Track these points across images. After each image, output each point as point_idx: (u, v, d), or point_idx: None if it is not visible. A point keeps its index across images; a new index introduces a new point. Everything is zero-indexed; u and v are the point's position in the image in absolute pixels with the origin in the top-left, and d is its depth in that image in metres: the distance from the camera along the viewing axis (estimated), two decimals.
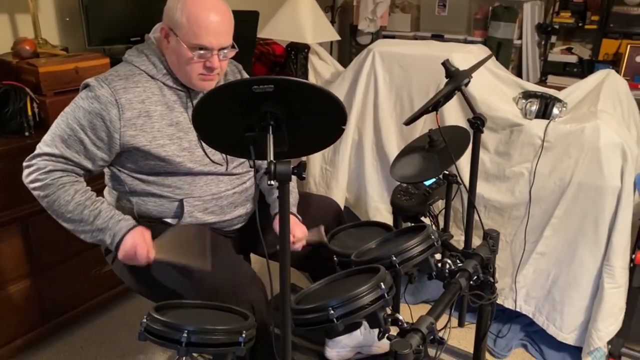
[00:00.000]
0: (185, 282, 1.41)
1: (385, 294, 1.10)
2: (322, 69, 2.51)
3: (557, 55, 3.88)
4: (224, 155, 1.56)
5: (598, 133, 1.79)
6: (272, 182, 0.86)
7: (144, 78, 1.46)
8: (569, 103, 1.99)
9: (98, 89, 1.40)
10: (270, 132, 0.87)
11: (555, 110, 1.90)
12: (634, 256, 1.82)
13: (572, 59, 3.79)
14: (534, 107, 1.92)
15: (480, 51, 2.13)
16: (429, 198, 1.74)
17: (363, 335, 1.97)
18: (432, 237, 1.32)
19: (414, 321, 1.12)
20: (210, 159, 1.53)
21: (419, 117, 1.40)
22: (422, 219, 1.79)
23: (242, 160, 1.64)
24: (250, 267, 1.50)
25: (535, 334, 2.09)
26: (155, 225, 1.51)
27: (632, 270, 1.84)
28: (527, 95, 2.00)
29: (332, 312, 1.07)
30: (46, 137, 1.43)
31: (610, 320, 1.84)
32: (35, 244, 1.92)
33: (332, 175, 2.32)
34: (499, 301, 2.07)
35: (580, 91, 2.06)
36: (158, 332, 1.10)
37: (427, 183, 1.78)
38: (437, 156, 1.54)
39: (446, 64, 1.32)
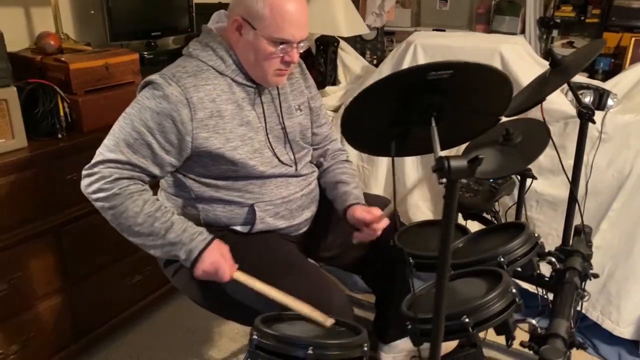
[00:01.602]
0: (265, 298, 1.30)
1: (517, 299, 1.03)
2: (351, 64, 2.42)
3: (558, 49, 3.90)
4: (291, 155, 1.46)
5: None
6: (443, 181, 0.77)
7: (212, 74, 1.34)
8: (617, 94, 1.97)
9: (166, 87, 1.27)
10: (434, 125, 0.78)
11: (610, 102, 1.88)
12: None
13: None
14: (588, 99, 1.89)
15: (524, 42, 2.09)
16: (496, 194, 1.68)
17: None
18: (535, 235, 1.25)
19: None
20: (280, 160, 1.42)
21: (525, 111, 1.33)
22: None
23: (308, 159, 1.54)
24: (331, 277, 1.41)
25: (586, 330, 2.06)
26: (224, 233, 1.39)
27: None
28: (577, 87, 1.96)
29: (467, 320, 0.99)
30: (108, 142, 1.29)
31: None
32: (68, 256, 1.77)
33: (371, 174, 2.24)
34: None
35: (626, 82, 2.04)
36: (273, 349, 0.99)
37: (491, 179, 1.72)
38: (516, 150, 1.48)
39: (553, 54, 1.25)
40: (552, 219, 1.98)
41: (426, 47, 2.08)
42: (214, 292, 1.36)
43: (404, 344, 1.87)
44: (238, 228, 1.42)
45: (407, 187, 2.19)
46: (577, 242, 1.34)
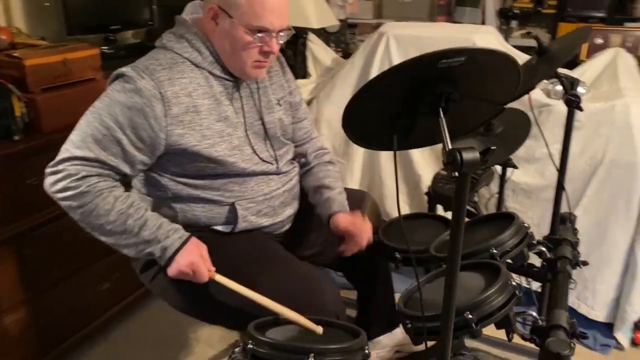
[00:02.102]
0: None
1: (517, 292, 1.01)
2: (321, 56, 2.37)
3: (517, 39, 3.97)
4: (272, 152, 1.40)
5: (628, 110, 1.81)
6: (455, 174, 0.73)
7: (188, 67, 1.26)
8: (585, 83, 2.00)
9: (138, 80, 1.19)
10: (442, 116, 0.74)
11: (581, 90, 1.89)
12: None
13: (533, 43, 3.89)
14: (560, 87, 1.90)
15: (494, 31, 2.10)
16: (476, 185, 1.67)
17: (403, 334, 1.87)
18: (525, 225, 1.24)
19: None
20: (260, 157, 1.36)
21: (514, 100, 1.31)
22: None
23: (290, 156, 1.48)
24: (322, 273, 1.36)
25: None
26: (203, 234, 1.32)
27: None
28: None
29: (470, 316, 0.96)
30: (74, 138, 1.20)
31: None
32: (31, 266, 1.65)
33: (347, 168, 2.20)
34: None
35: (592, 71, 2.08)
36: (271, 358, 0.94)
37: None
38: (498, 140, 1.47)
39: (540, 42, 1.24)
40: (528, 207, 1.99)
41: (399, 38, 2.06)
42: (196, 296, 1.29)
43: (387, 340, 1.85)
44: (219, 228, 1.35)
45: (383, 180, 2.17)
46: (564, 230, 1.34)
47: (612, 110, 1.82)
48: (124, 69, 1.22)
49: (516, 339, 1.06)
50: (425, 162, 2.11)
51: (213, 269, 1.21)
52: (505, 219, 1.37)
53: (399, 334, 1.86)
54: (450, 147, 0.74)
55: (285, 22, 1.26)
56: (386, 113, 0.79)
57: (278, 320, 1.08)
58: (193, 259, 1.19)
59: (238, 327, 1.34)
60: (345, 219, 1.40)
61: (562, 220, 1.38)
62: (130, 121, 1.19)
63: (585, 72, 2.08)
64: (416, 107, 0.76)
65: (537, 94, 1.93)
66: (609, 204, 1.88)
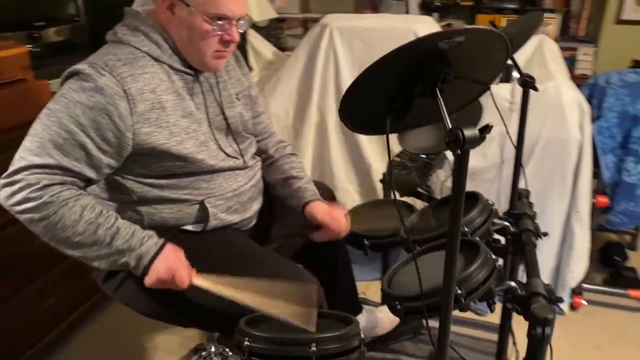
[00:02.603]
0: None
1: (496, 265, 1.06)
2: (262, 50, 2.34)
3: None
4: (236, 147, 1.36)
5: (559, 91, 1.94)
6: (458, 152, 0.75)
7: (149, 62, 1.20)
8: None
9: (98, 77, 1.11)
10: (440, 96, 0.76)
11: (515, 74, 2.01)
12: (594, 200, 2.02)
13: None
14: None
15: (432, 21, 2.17)
16: (430, 169, 1.73)
17: (366, 319, 1.90)
18: (490, 202, 1.31)
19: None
20: (226, 153, 1.32)
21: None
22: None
23: (253, 150, 1.46)
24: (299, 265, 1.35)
25: None
26: (174, 234, 1.27)
27: (592, 212, 2.04)
28: None
29: (459, 291, 0.99)
30: (30, 144, 1.10)
31: (582, 261, 2.03)
32: None
33: None
34: None
35: (522, 56, 2.21)
36: (271, 352, 0.92)
37: (424, 154, 1.77)
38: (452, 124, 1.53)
39: (495, 27, 1.30)
40: (472, 188, 2.06)
41: (342, 30, 2.07)
42: (171, 300, 1.23)
43: None
44: (189, 227, 1.30)
45: (334, 173, 2.18)
46: (521, 205, 1.42)
47: (545, 92, 1.95)
48: (79, 66, 1.14)
49: (469, 315, 1.11)
50: (375, 151, 2.15)
51: (193, 270, 1.16)
52: (467, 198, 1.43)
53: (362, 319, 1.90)
54: (450, 126, 0.75)
55: (245, 9, 1.23)
56: (382, 97, 0.79)
57: (267, 315, 1.06)
58: (171, 264, 1.14)
59: (218, 327, 1.30)
60: (322, 209, 1.40)
61: (519, 196, 1.46)
62: (93, 122, 1.11)
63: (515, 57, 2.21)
64: (412, 89, 0.77)
65: None
66: (547, 179, 2.01)
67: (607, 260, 2.40)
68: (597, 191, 2.05)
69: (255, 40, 2.35)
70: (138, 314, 1.33)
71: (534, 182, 2.02)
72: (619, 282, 2.26)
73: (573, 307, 2.11)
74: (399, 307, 1.04)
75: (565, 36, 3.59)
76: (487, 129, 0.74)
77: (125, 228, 1.15)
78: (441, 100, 0.76)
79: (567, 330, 1.95)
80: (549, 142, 1.97)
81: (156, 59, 1.21)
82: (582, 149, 1.96)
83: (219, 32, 1.20)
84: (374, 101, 0.82)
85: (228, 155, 1.32)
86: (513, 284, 1.08)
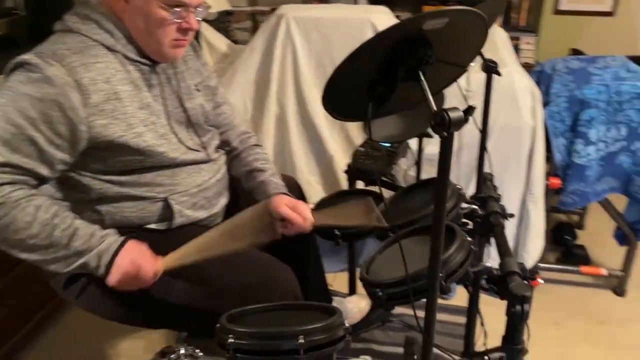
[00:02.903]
0: (202, 290, 1.18)
1: (472, 247, 1.08)
2: (216, 42, 2.29)
3: None
4: (197, 140, 1.32)
5: (512, 78, 2.00)
6: (444, 134, 0.75)
7: (102, 51, 1.14)
8: None
9: (46, 67, 1.04)
10: (423, 79, 0.76)
11: (471, 62, 2.06)
12: (547, 183, 2.10)
13: None
14: None
15: (387, 11, 2.19)
16: (394, 158, 1.74)
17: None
18: (458, 186, 1.33)
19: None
20: (187, 146, 1.27)
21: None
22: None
23: (216, 142, 1.42)
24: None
25: None
26: (137, 235, 1.21)
27: (546, 194, 2.13)
28: None
29: (440, 274, 1.00)
30: None
31: (538, 241, 2.11)
32: None
33: None
34: None
35: None
36: (258, 347, 0.89)
37: (387, 144, 1.78)
38: (416, 111, 1.54)
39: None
40: (431, 174, 2.12)
41: (298, 20, 2.05)
42: (138, 300, 1.18)
43: None
44: (153, 226, 1.25)
45: (296, 165, 2.16)
46: (486, 188, 1.45)
47: (498, 79, 1.99)
48: (25, 57, 1.06)
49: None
50: (336, 142, 2.15)
51: (158, 259, 1.12)
52: (430, 184, 1.45)
53: None
54: (435, 108, 0.75)
55: None
56: (364, 84, 0.78)
57: (247, 310, 1.03)
58: (134, 257, 1.10)
59: (192, 326, 1.25)
60: (285, 203, 1.37)
61: (484, 181, 1.50)
62: (43, 115, 1.05)
63: None
64: (395, 73, 0.77)
65: None
66: (502, 164, 2.07)
67: (558, 240, 2.51)
68: (549, 173, 2.13)
69: (209, 33, 2.29)
70: (99, 319, 1.27)
71: (491, 168, 2.09)
72: (570, 259, 2.37)
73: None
74: (380, 294, 1.04)
75: (507, 26, 3.70)
76: (470, 110, 0.74)
77: (84, 228, 1.09)
78: (425, 83, 0.76)
79: None
80: (504, 128, 2.03)
81: (109, 48, 1.15)
82: (535, 133, 2.03)
83: (177, 20, 1.15)
84: (355, 88, 0.80)
85: (190, 149, 1.28)
86: (488, 264, 1.11)
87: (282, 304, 1.05)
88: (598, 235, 2.56)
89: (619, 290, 2.20)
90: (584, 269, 2.24)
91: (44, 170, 1.08)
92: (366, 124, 1.63)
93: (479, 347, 1.65)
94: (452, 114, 0.74)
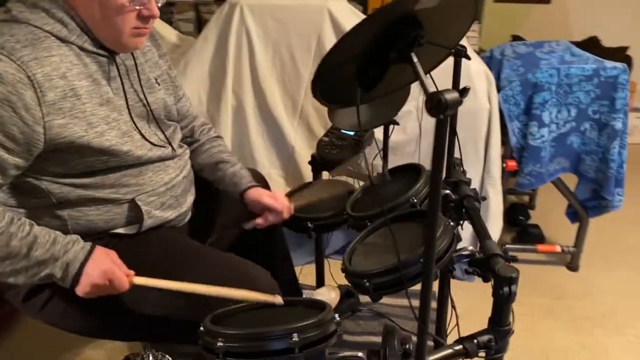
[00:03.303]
0: (179, 298, 1.11)
1: (455, 232, 1.08)
2: (165, 33, 2.19)
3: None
4: (161, 135, 1.25)
5: (467, 63, 2.02)
6: (440, 117, 0.73)
7: (55, 43, 1.04)
8: None
9: None
10: (416, 60, 0.74)
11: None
12: (504, 165, 2.16)
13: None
14: None
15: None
16: (361, 146, 1.73)
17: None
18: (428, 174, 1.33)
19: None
20: (151, 142, 1.20)
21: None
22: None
23: (180, 136, 1.35)
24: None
25: None
26: (104, 241, 1.13)
27: (503, 176, 2.18)
28: None
29: None
30: None
31: (497, 222, 2.17)
32: None
33: None
34: None
35: None
36: (250, 350, 0.85)
37: (352, 132, 1.76)
38: (384, 99, 1.53)
39: None
40: (393, 162, 2.11)
41: (253, 8, 1.99)
42: (109, 312, 1.11)
43: None
44: (121, 230, 1.17)
45: (254, 157, 2.10)
46: (456, 173, 1.46)
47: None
48: None
49: None
50: (297, 133, 2.11)
51: (131, 272, 1.05)
52: (409, 170, 1.45)
53: None
54: (430, 90, 0.73)
55: None
56: (353, 68, 0.75)
57: (231, 311, 0.98)
58: (105, 266, 1.02)
59: (169, 335, 1.19)
60: (264, 192, 1.35)
61: (454, 165, 1.51)
62: None
63: None
64: (387, 55, 0.74)
65: None
66: (462, 147, 2.09)
67: (512, 220, 2.59)
68: (505, 156, 2.19)
69: (157, 24, 2.17)
70: (57, 330, 1.18)
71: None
72: (526, 239, 2.45)
73: None
74: (367, 284, 1.02)
75: None
76: (465, 91, 0.73)
77: (44, 235, 1.01)
78: (418, 64, 0.74)
79: (486, 289, 2.08)
80: (462, 113, 2.03)
81: (63, 40, 1.05)
82: (491, 117, 2.07)
83: (137, 7, 1.07)
84: (345, 73, 0.77)
85: (154, 145, 1.20)
86: (471, 247, 1.11)
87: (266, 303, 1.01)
88: (548, 214, 2.67)
89: (573, 265, 2.30)
90: (539, 247, 2.33)
91: None
92: (331, 112, 1.61)
93: (449, 330, 1.67)
94: (448, 96, 0.72)
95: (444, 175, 1.51)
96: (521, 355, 1.82)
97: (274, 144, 2.12)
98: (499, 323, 1.03)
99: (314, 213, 1.47)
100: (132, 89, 1.18)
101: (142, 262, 1.10)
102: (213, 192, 1.43)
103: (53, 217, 1.10)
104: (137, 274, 1.07)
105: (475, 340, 1.02)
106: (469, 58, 1.33)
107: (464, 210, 1.31)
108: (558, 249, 2.30)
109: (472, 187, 2.08)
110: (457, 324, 1.42)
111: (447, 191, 1.36)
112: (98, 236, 1.14)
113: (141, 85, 1.20)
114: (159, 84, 1.27)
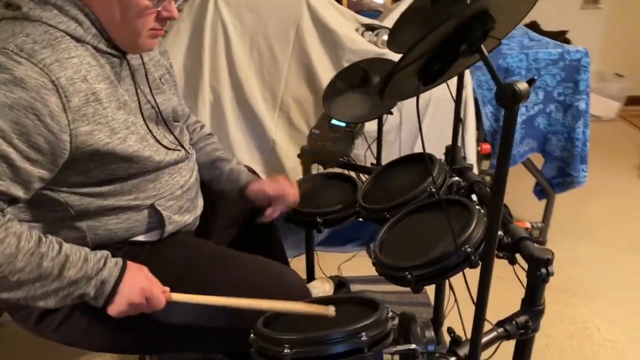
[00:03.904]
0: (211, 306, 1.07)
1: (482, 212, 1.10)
2: None
3: None
4: (171, 137, 1.19)
5: None
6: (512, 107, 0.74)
7: (71, 43, 0.96)
8: None
9: (15, 66, 0.86)
10: (486, 52, 0.74)
11: (385, 37, 2.09)
12: (478, 149, 2.23)
13: None
14: (385, 37, 2.07)
15: None
16: (354, 137, 1.72)
17: None
18: (442, 161, 1.35)
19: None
20: (163, 146, 1.14)
21: None
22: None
23: (187, 137, 1.29)
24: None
25: None
26: (123, 251, 1.06)
27: (478, 159, 2.26)
28: (369, 27, 2.12)
29: (469, 249, 1.01)
30: None
31: None
32: None
33: None
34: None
35: (394, 17, 2.30)
36: (320, 353, 0.84)
37: (344, 123, 1.75)
38: (376, 91, 1.53)
39: None
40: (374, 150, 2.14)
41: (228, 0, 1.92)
42: (137, 327, 1.04)
43: None
44: (141, 238, 1.10)
45: (234, 151, 2.05)
46: (458, 160, 1.49)
47: None
48: None
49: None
50: (277, 127, 2.07)
51: (167, 289, 0.99)
52: (409, 161, 1.46)
53: None
54: (500, 82, 0.74)
55: None
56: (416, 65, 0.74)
57: (276, 314, 0.96)
58: (142, 284, 0.96)
59: (199, 347, 1.13)
60: (268, 183, 1.32)
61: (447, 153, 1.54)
62: (15, 126, 0.86)
63: (386, 19, 2.30)
64: (455, 49, 0.74)
65: (369, 44, 2.05)
66: (439, 135, 2.15)
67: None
68: (479, 140, 2.26)
69: None
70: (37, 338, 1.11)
71: (429, 139, 2.16)
72: None
73: None
74: (409, 276, 1.02)
75: None
76: (533, 81, 0.74)
77: (75, 253, 0.93)
78: (488, 56, 0.74)
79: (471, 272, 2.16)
80: (440, 100, 2.11)
81: (78, 39, 0.97)
82: (466, 102, 2.13)
83: (158, 9, 1.01)
84: (407, 71, 0.76)
85: (169, 148, 1.14)
86: (500, 232, 1.14)
87: (311, 300, 0.99)
88: (513, 193, 2.80)
89: (541, 240, 2.43)
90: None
91: (18, 192, 0.90)
92: (326, 103, 1.59)
93: (446, 313, 1.72)
94: (522, 87, 0.72)
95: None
96: None
97: (254, 139, 2.07)
98: (534, 303, 1.07)
99: (323, 208, 1.45)
100: (140, 90, 1.11)
101: (170, 272, 1.05)
102: (208, 192, 1.38)
103: (70, 229, 1.02)
104: (165, 283, 1.01)
105: (514, 322, 1.06)
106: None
107: (474, 196, 1.34)
108: (528, 225, 2.42)
109: None
110: (458, 307, 1.46)
111: (455, 178, 1.38)
112: (117, 245, 1.07)
113: (149, 86, 1.13)
114: (163, 84, 1.20)
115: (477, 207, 1.10)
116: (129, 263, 0.98)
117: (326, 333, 0.84)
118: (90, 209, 1.02)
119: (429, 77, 0.79)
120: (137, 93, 1.08)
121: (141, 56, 1.12)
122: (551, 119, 2.25)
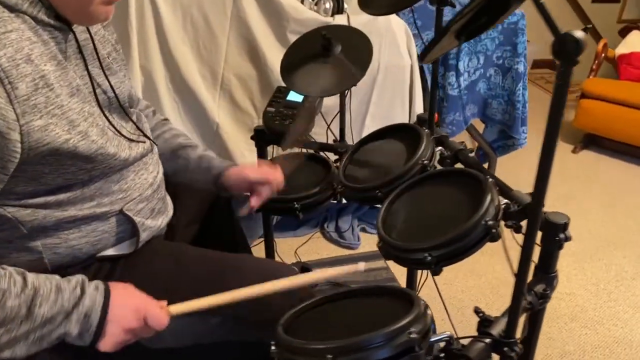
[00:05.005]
0: (214, 319, 0.92)
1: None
2: None
3: None
4: (132, 125, 0.99)
5: (389, 18, 1.98)
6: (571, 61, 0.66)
7: (5, 14, 0.74)
8: None
9: None
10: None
11: (345, 5, 1.98)
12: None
13: None
14: (329, 5, 1.94)
15: None
16: (316, 110, 1.60)
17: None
18: (428, 132, 1.27)
19: None
20: (124, 137, 0.93)
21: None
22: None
23: (147, 124, 1.09)
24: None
25: (365, 215, 2.29)
26: (90, 269, 0.87)
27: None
28: None
29: (490, 222, 0.94)
30: None
31: None
32: None
33: None
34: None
35: None
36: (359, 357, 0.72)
37: (299, 99, 1.61)
38: (346, 61, 1.42)
39: None
40: (322, 126, 2.03)
41: None
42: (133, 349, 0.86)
43: None
44: (111, 252, 0.91)
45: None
46: (435, 130, 1.42)
47: (376, 20, 1.97)
48: None
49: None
50: (219, 107, 1.88)
51: (163, 302, 0.82)
52: (388, 133, 1.37)
53: None
54: (560, 32, 0.65)
55: None
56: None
57: (295, 313, 0.83)
58: (134, 303, 0.78)
59: None
60: (252, 169, 1.16)
61: (421, 122, 1.46)
62: None
63: None
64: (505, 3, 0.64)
65: (313, 13, 1.91)
66: (390, 104, 2.08)
67: None
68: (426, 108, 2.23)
69: None
70: None
71: (380, 110, 2.09)
72: None
73: None
74: (429, 258, 0.93)
75: None
76: (587, 29, 0.66)
77: (44, 283, 0.74)
78: (545, 5, 0.65)
79: None
80: (388, 70, 2.03)
81: (12, 9, 0.75)
82: (412, 71, 2.08)
83: None
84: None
85: (132, 141, 0.95)
86: (507, 201, 1.08)
87: (332, 296, 0.87)
88: None
89: None
90: None
91: None
92: (289, 78, 1.44)
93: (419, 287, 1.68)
94: (581, 35, 0.64)
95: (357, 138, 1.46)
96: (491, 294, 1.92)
97: (195, 121, 1.87)
98: (548, 270, 1.03)
99: (299, 192, 1.32)
100: (93, 70, 0.91)
101: (154, 289, 0.86)
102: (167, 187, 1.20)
103: (22, 251, 0.81)
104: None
105: (533, 292, 1.01)
106: (453, 5, 1.27)
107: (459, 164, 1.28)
108: None
109: None
110: (434, 280, 1.41)
111: (439, 148, 1.31)
112: (83, 264, 0.87)
113: (101, 66, 0.92)
114: (112, 63, 0.99)
115: (487, 176, 1.03)
116: (111, 283, 0.79)
117: (371, 336, 0.73)
118: (46, 224, 0.81)
119: (472, 32, 0.68)
120: (89, 75, 0.87)
121: (88, 29, 0.91)
122: (491, 83, 2.26)
